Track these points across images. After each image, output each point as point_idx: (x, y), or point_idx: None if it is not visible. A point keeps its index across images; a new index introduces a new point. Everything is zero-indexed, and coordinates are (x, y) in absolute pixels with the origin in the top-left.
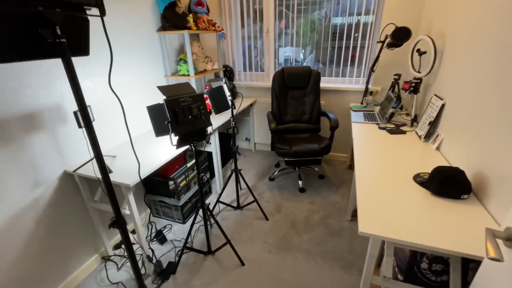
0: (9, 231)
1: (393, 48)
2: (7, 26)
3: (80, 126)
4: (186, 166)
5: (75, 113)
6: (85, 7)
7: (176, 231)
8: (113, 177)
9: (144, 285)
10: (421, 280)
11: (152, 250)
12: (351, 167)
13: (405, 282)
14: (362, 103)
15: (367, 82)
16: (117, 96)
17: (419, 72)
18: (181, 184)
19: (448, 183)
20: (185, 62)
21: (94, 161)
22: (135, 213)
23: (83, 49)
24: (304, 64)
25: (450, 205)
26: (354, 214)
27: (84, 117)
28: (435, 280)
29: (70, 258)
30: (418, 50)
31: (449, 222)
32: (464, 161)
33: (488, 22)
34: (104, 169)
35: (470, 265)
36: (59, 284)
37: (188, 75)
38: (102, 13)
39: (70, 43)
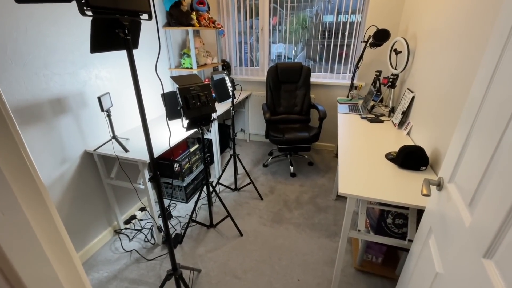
0: None
1: (375, 47)
2: (99, 28)
3: (102, 110)
4: (189, 151)
5: (99, 98)
6: (140, 13)
7: (180, 209)
8: (131, 155)
9: (169, 230)
10: (387, 233)
11: (163, 222)
12: (337, 155)
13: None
14: (347, 97)
15: (352, 78)
16: (160, 80)
17: (395, 69)
18: (185, 167)
19: (410, 158)
20: (188, 56)
21: (113, 141)
22: (149, 188)
23: (135, 44)
24: (296, 61)
25: (412, 174)
26: (339, 195)
27: (138, 97)
28: (398, 232)
29: (88, 228)
30: (395, 50)
31: (409, 186)
32: (426, 142)
33: (447, 30)
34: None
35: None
36: (79, 251)
37: (191, 68)
38: (150, 17)
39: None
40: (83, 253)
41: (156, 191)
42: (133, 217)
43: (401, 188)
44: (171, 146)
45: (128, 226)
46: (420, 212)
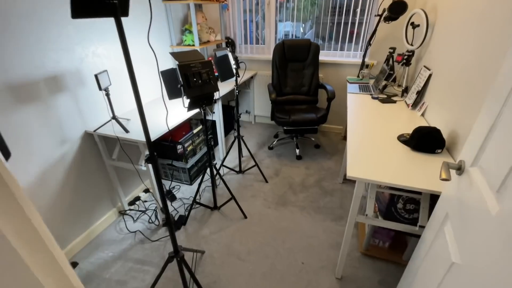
0: (44, 182)
1: (390, 21)
2: None
3: (100, 89)
4: (192, 132)
5: (96, 76)
6: None
7: (184, 191)
8: (131, 136)
9: (169, 212)
10: (397, 218)
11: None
12: (345, 138)
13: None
14: (358, 76)
15: (364, 56)
16: (153, 52)
17: (411, 45)
18: (189, 149)
19: (425, 140)
20: (190, 32)
21: (113, 121)
22: (151, 169)
23: (124, 11)
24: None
25: (426, 157)
26: (346, 178)
27: (130, 72)
28: (408, 218)
29: (93, 210)
30: (412, 24)
31: (423, 170)
32: (443, 123)
33: (474, 2)
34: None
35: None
36: (84, 232)
37: (193, 45)
38: None
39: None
40: (88, 233)
41: (154, 172)
42: (137, 198)
43: (414, 172)
44: (172, 126)
45: (132, 207)
46: (433, 197)
